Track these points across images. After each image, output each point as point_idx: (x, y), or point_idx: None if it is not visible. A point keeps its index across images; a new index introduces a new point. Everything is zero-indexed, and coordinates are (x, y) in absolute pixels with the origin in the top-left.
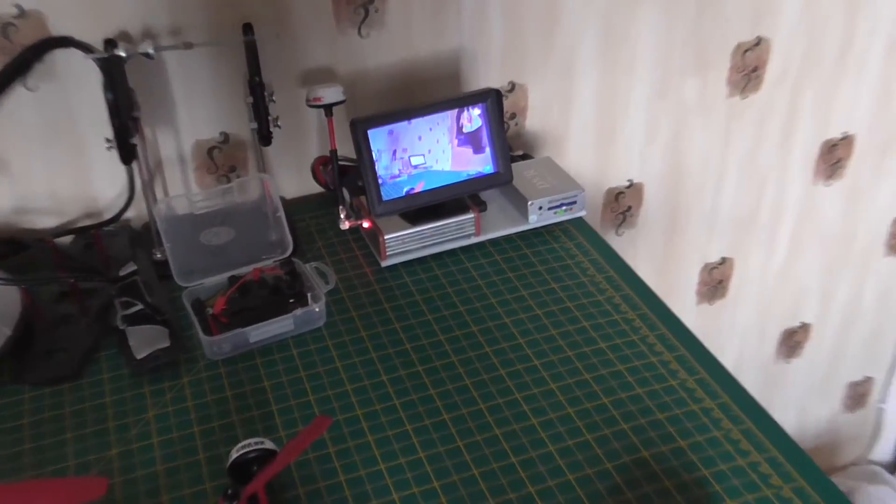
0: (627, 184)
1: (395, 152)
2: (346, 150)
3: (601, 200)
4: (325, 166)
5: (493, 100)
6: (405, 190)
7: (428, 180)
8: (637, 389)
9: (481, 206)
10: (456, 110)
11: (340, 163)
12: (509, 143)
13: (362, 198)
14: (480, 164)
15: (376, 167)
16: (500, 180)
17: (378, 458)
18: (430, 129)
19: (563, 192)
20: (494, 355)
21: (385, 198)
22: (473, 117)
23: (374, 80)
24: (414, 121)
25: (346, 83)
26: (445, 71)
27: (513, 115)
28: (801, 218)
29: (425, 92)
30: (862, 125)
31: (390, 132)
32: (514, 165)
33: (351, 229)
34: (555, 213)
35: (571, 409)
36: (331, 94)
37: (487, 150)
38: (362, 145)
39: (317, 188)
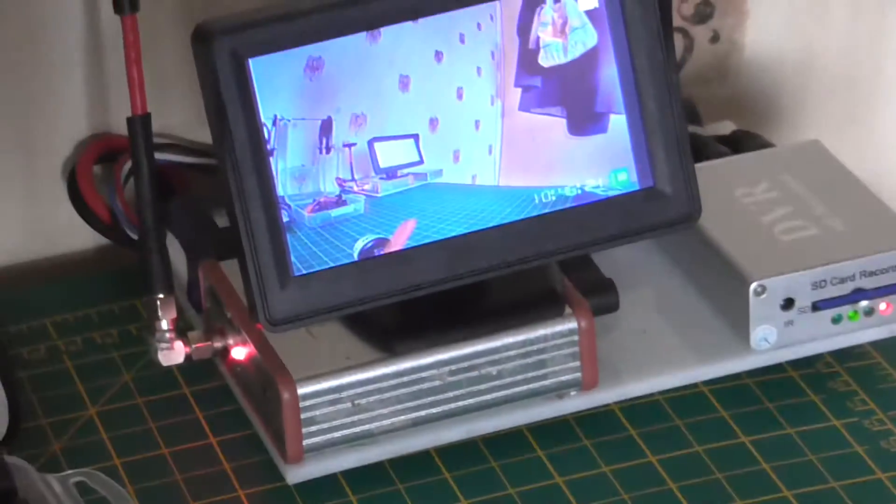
0: None
1: (327, 128)
2: (178, 121)
3: None
4: (98, 166)
5: None
6: (359, 246)
7: (428, 213)
8: None
9: (601, 294)
10: (517, 8)
11: (165, 158)
12: (691, 101)
13: (220, 264)
14: (596, 165)
15: (273, 174)
16: (661, 216)
17: None
18: (438, 59)
19: (870, 251)
20: None
21: (299, 269)
22: (572, 20)
23: None
24: (388, 30)
25: None
26: None
27: (702, 17)
28: None
29: None
30: None
31: (313, 65)
32: (706, 167)
33: (189, 366)
34: (840, 317)
35: None
36: None
37: (619, 121)
38: (233, 106)
39: (85, 234)
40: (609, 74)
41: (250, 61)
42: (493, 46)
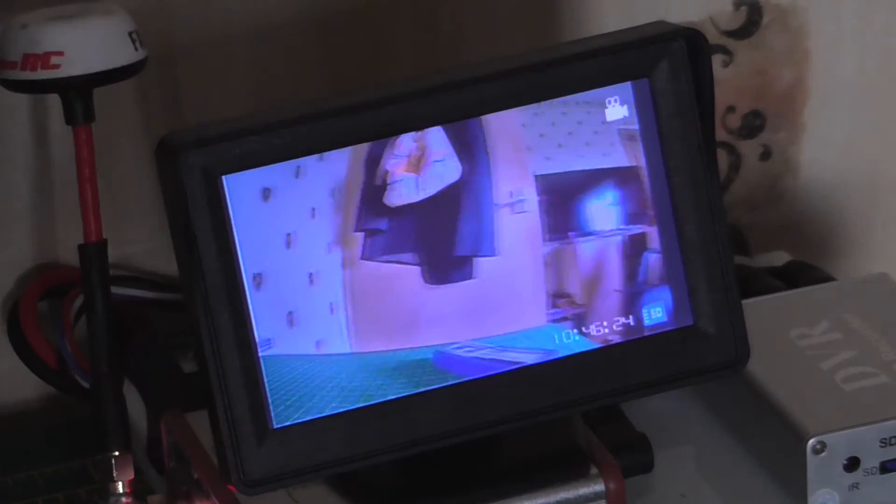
0: None
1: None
2: (138, 250)
3: None
4: (44, 302)
5: (676, 68)
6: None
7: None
8: None
9: (633, 452)
10: (527, 109)
11: (123, 293)
12: (738, 228)
13: (186, 416)
14: (623, 299)
15: (250, 310)
16: (702, 360)
17: None
18: (265, 197)
19: None
20: None
21: (279, 420)
22: (434, 151)
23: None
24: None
25: (148, 18)
26: None
27: (751, 130)
28: None
29: (406, 40)
30: None
31: (292, 185)
32: (756, 304)
33: None
34: None
35: None
36: (86, 39)
37: (488, 264)
38: (204, 232)
39: (27, 382)
40: (648, 195)
41: (224, 179)
42: (334, 183)
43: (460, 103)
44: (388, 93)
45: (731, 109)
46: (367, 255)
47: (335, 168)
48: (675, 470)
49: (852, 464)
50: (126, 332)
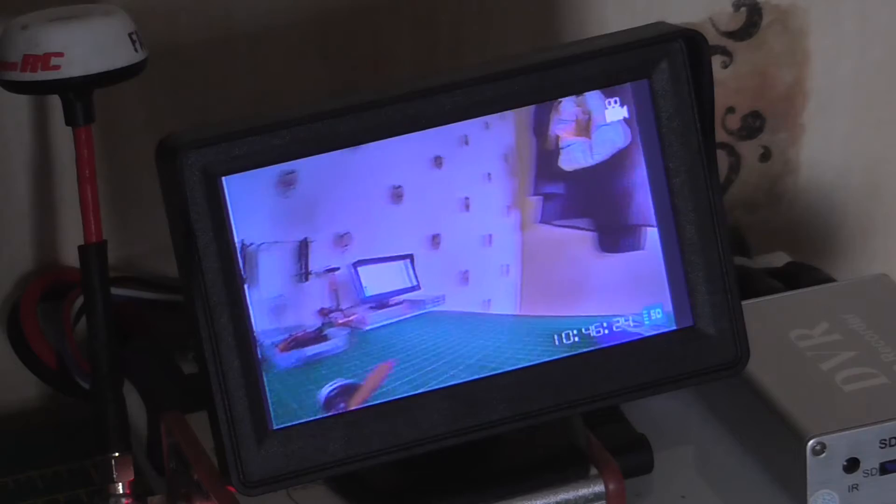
0: None
1: (304, 250)
2: (138, 251)
3: None
4: (44, 304)
5: (675, 69)
6: (324, 392)
7: (418, 352)
8: None
9: (632, 453)
10: (530, 109)
11: (123, 294)
12: (738, 229)
13: (186, 417)
14: (629, 290)
15: (249, 310)
16: (702, 361)
17: None
18: (437, 165)
19: None
20: None
21: (279, 421)
22: (597, 116)
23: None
24: (376, 147)
25: (148, 18)
26: None
27: (751, 131)
28: None
29: (406, 39)
30: None
31: (286, 180)
32: (756, 305)
33: None
34: None
35: None
36: (86, 40)
37: (652, 244)
38: (203, 232)
39: (27, 382)
40: (647, 195)
41: (224, 179)
42: (504, 148)
43: (453, 105)
44: (388, 94)
45: (730, 110)
46: (544, 219)
47: (503, 134)
48: (675, 471)
49: (852, 465)
50: (126, 333)
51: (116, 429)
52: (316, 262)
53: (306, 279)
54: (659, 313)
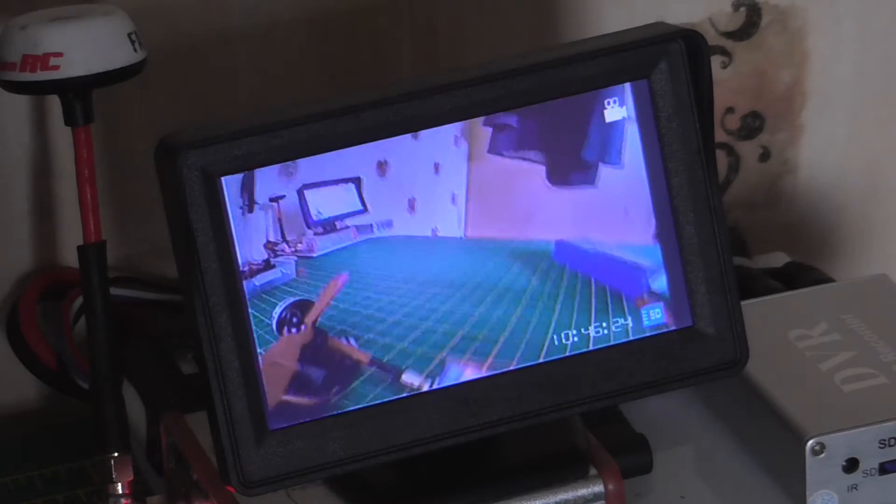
0: None
1: (249, 181)
2: (137, 251)
3: None
4: (43, 303)
5: (675, 69)
6: (277, 314)
7: (371, 267)
8: None
9: (632, 453)
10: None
11: (122, 294)
12: (738, 229)
13: (185, 417)
14: (573, 222)
15: (249, 312)
16: (701, 361)
17: None
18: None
19: None
20: None
21: (277, 421)
22: (602, 124)
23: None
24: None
25: (148, 18)
26: None
27: (750, 131)
28: None
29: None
30: None
31: (299, 179)
32: (755, 305)
33: None
34: None
35: None
36: (86, 40)
37: (612, 175)
38: (203, 233)
39: (26, 382)
40: (647, 195)
41: (224, 179)
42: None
43: (453, 105)
44: (388, 94)
45: (730, 110)
46: (493, 150)
47: None
48: (675, 471)
49: (851, 465)
50: (125, 333)
51: (115, 429)
52: (260, 193)
53: (250, 211)
54: (658, 313)
